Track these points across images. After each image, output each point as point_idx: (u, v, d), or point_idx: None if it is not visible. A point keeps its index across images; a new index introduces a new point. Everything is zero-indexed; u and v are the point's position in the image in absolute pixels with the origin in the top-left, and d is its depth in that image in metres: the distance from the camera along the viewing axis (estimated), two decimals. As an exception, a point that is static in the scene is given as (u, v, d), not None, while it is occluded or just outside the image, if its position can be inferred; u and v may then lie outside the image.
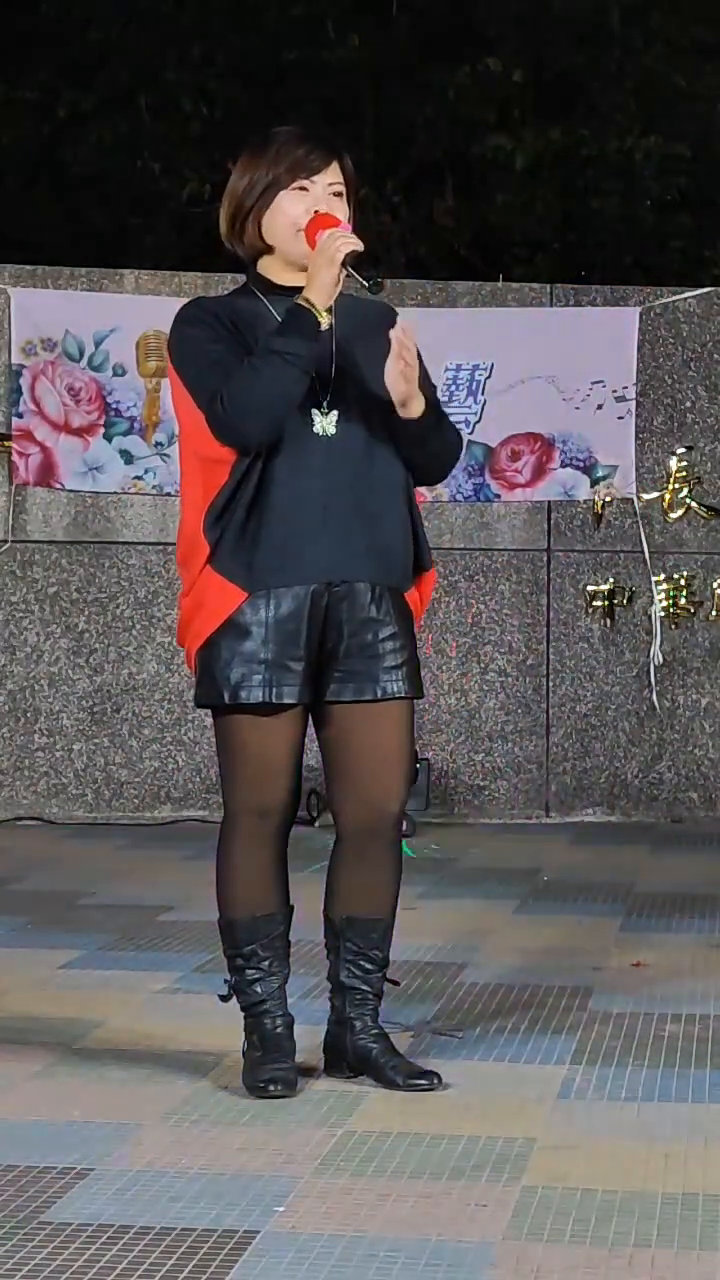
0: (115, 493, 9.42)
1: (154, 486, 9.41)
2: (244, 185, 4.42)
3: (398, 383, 4.31)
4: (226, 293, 4.64)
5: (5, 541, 9.38)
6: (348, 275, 4.30)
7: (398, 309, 4.66)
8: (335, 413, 4.38)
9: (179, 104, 12.41)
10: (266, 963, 4.43)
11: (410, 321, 4.53)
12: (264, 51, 12.41)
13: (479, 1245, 3.40)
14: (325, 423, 4.38)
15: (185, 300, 9.79)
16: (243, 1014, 4.45)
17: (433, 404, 4.39)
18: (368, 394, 4.39)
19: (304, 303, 4.29)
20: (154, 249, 12.34)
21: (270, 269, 4.45)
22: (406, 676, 4.42)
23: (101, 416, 9.37)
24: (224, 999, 4.51)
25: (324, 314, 4.29)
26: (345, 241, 4.29)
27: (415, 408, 4.35)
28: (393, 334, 4.30)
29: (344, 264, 4.28)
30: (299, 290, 4.35)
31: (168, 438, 9.34)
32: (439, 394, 4.66)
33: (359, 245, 4.30)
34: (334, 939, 4.49)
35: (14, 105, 12.56)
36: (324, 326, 4.30)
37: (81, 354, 9.35)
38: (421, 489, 4.67)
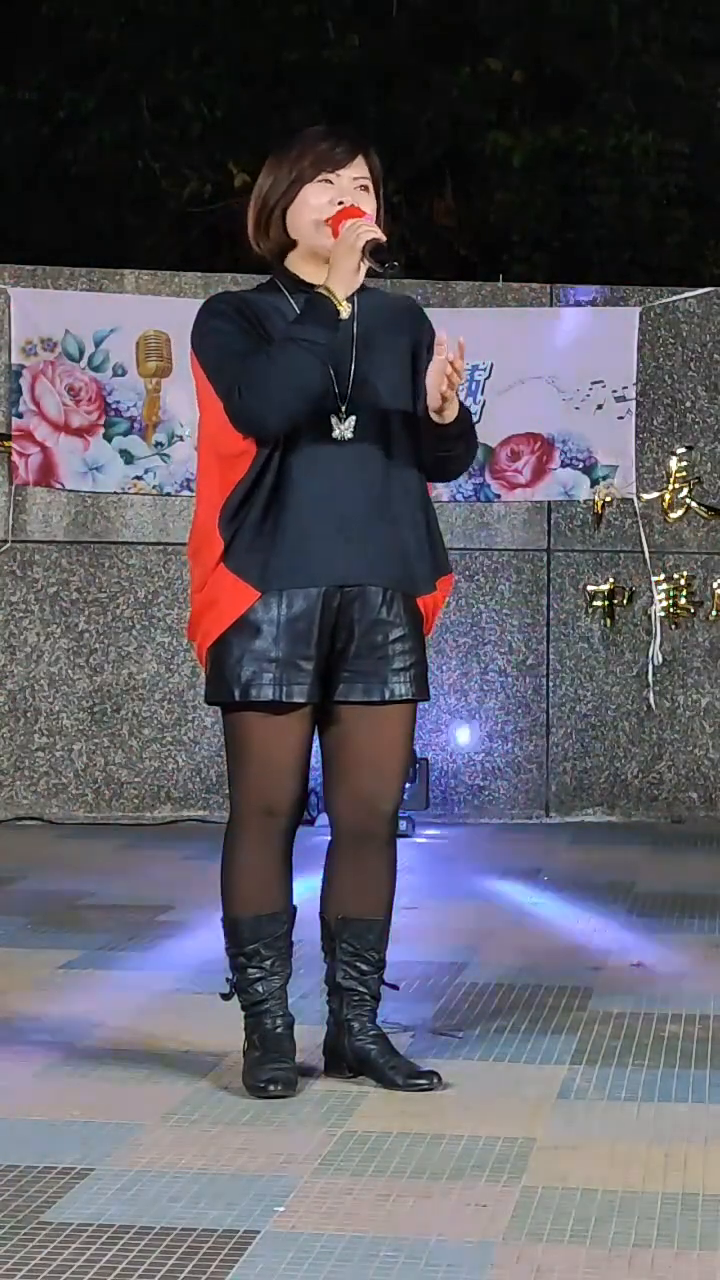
0: (115, 493, 9.42)
1: (154, 486, 9.41)
2: (269, 184, 4.43)
3: (436, 397, 4.30)
4: (252, 287, 4.63)
5: (5, 541, 9.38)
6: (368, 266, 4.29)
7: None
8: (353, 418, 4.38)
9: (179, 104, 12.41)
10: (269, 962, 4.42)
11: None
12: (264, 51, 12.42)
13: (479, 1245, 3.40)
14: (343, 428, 4.38)
15: (185, 300, 9.83)
16: (243, 1013, 4.45)
17: (464, 411, 4.39)
18: (386, 398, 4.39)
19: (324, 291, 4.29)
20: (154, 249, 12.34)
21: (296, 265, 4.44)
22: (414, 679, 4.43)
23: (101, 416, 9.37)
24: (225, 997, 4.51)
25: (343, 303, 4.29)
26: (366, 230, 4.28)
27: (449, 414, 4.34)
28: (445, 351, 4.25)
29: (363, 252, 4.27)
30: (316, 286, 4.35)
31: (168, 438, 9.34)
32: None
33: (380, 235, 4.29)
34: (330, 940, 4.49)
35: (14, 105, 12.56)
36: (344, 315, 4.29)
37: (81, 354, 9.35)
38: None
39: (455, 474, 4.60)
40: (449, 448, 4.43)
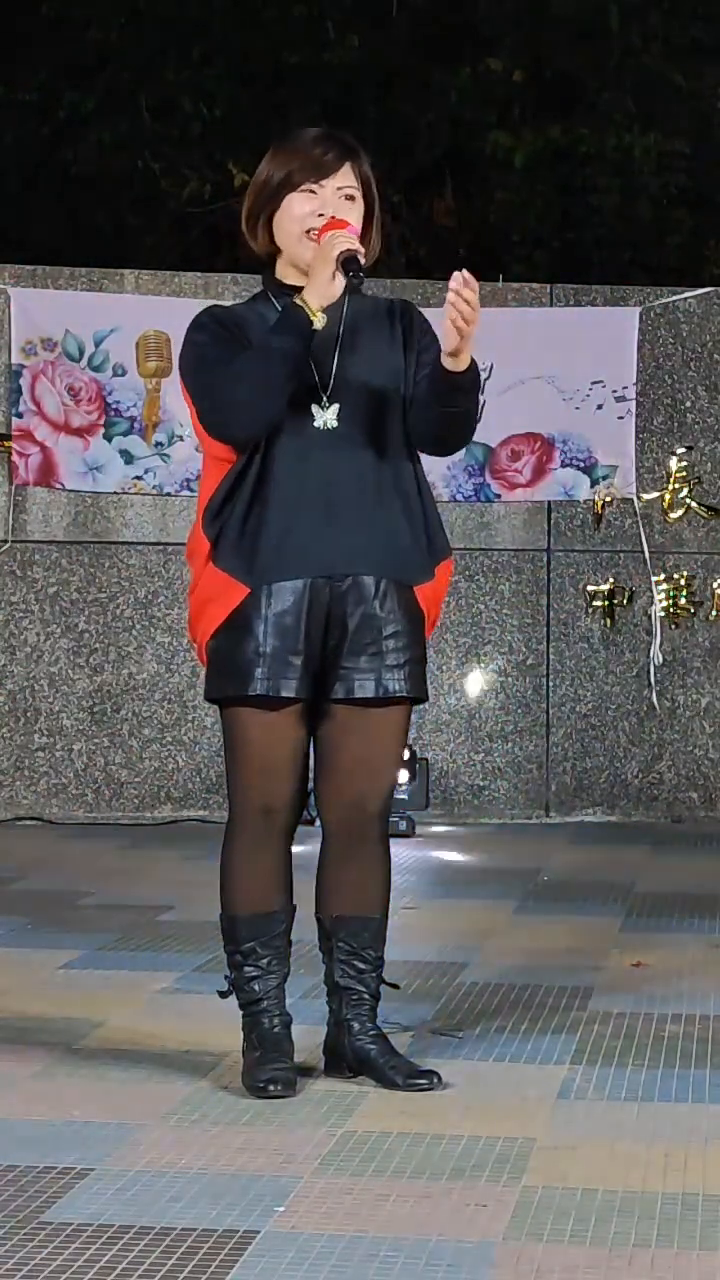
0: (115, 493, 9.42)
1: (154, 486, 9.41)
2: (261, 181, 4.43)
3: (451, 333, 4.21)
4: (245, 299, 4.65)
5: (5, 541, 9.39)
6: (343, 275, 4.30)
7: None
8: (336, 406, 4.38)
9: (179, 104, 12.41)
10: (266, 961, 4.43)
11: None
12: (264, 51, 12.42)
13: (479, 1245, 3.39)
14: (326, 416, 4.38)
15: (185, 300, 9.83)
16: (241, 1012, 4.46)
17: (474, 364, 4.31)
18: (373, 386, 4.39)
19: (299, 301, 4.30)
20: (154, 249, 12.35)
21: (283, 271, 4.46)
22: (408, 677, 4.41)
23: (101, 416, 9.37)
24: (222, 995, 4.51)
25: (317, 313, 4.29)
26: (343, 240, 4.29)
27: (463, 360, 4.26)
28: (452, 281, 4.18)
29: (337, 263, 4.28)
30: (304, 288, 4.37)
31: (168, 438, 9.35)
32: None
33: (355, 247, 4.30)
34: (326, 940, 4.50)
35: (14, 105, 12.57)
36: (317, 326, 4.30)
37: (81, 354, 9.35)
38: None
39: (458, 439, 4.49)
40: (458, 402, 4.33)
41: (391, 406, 4.41)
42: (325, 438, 4.37)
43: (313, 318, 4.29)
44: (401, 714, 4.46)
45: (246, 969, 4.43)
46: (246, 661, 4.34)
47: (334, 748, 4.44)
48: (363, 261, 4.30)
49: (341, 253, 4.28)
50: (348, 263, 4.28)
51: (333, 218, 4.35)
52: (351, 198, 4.40)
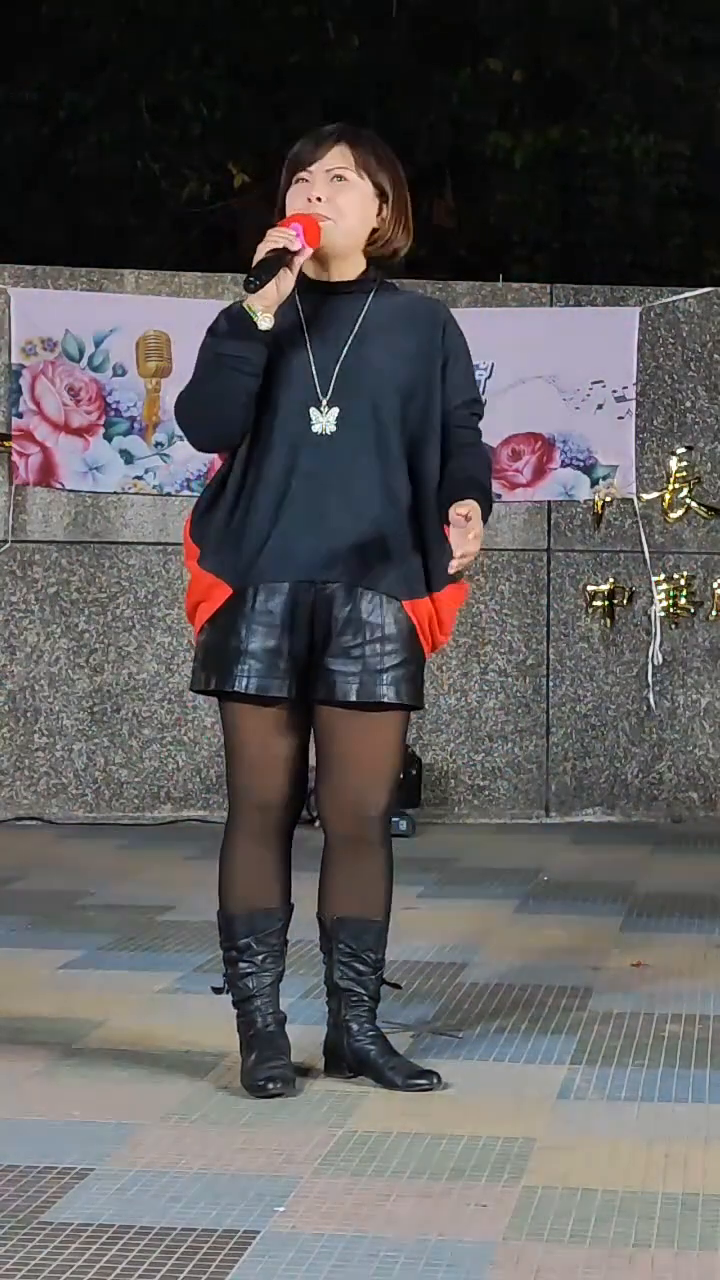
0: (115, 493, 9.42)
1: (154, 486, 9.41)
2: (279, 192, 4.44)
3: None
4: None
5: (5, 541, 9.38)
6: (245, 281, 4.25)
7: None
8: (336, 410, 4.36)
9: (179, 104, 12.42)
10: (259, 958, 4.43)
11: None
12: (264, 52, 12.43)
13: (479, 1245, 3.40)
14: (325, 421, 4.36)
15: (185, 300, 9.82)
16: (234, 1010, 4.45)
17: (483, 490, 4.58)
18: (378, 393, 4.36)
19: (246, 305, 4.29)
20: (154, 249, 12.35)
21: (306, 265, 4.42)
22: (394, 681, 4.36)
23: (101, 416, 9.37)
24: (217, 991, 4.52)
25: (260, 314, 4.27)
26: (273, 237, 4.26)
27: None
28: (454, 520, 4.38)
29: (256, 262, 4.25)
30: (325, 285, 4.38)
31: (168, 438, 9.34)
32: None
33: (280, 245, 4.25)
34: (327, 941, 4.49)
35: (14, 105, 12.58)
36: (264, 327, 4.27)
37: (81, 354, 9.35)
38: None
39: None
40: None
41: (396, 416, 4.38)
42: (320, 442, 4.35)
43: (254, 319, 4.27)
44: (392, 720, 4.41)
45: (240, 965, 4.43)
46: (227, 657, 4.34)
47: (325, 749, 4.43)
48: (298, 255, 4.23)
49: (270, 251, 4.25)
50: (259, 264, 4.23)
51: (292, 216, 4.33)
52: (341, 178, 4.36)
